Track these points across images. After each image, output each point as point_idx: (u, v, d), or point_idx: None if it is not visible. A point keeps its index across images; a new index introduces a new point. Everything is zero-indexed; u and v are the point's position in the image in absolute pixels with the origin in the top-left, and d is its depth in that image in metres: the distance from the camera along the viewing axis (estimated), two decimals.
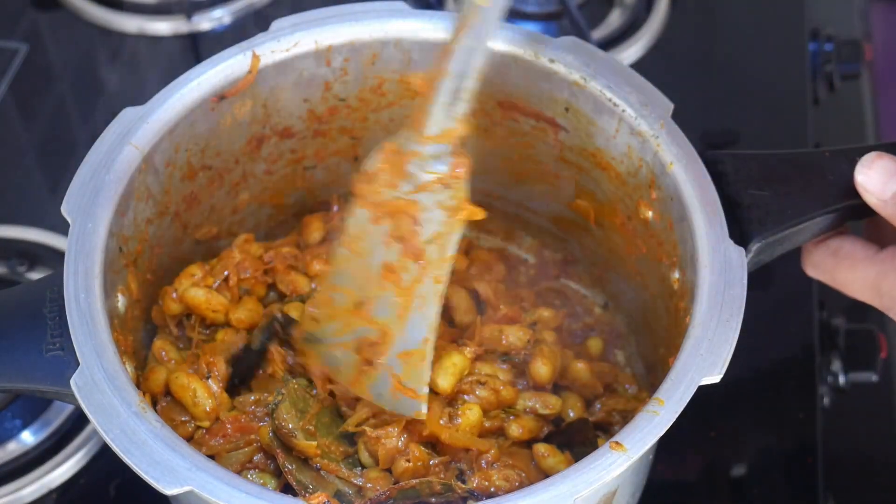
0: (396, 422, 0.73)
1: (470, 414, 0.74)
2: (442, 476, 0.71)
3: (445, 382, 0.75)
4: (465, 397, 0.76)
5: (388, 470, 0.73)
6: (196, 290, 0.80)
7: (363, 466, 0.74)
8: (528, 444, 0.76)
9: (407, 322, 0.73)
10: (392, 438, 0.72)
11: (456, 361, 0.76)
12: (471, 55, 0.70)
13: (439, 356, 0.76)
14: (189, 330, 0.81)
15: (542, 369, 0.78)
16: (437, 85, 0.71)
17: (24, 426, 0.90)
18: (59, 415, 0.91)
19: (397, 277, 0.73)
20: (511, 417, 0.76)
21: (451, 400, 0.75)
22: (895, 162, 0.70)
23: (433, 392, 0.75)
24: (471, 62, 0.70)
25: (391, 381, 0.73)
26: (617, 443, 0.63)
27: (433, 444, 0.74)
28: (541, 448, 0.74)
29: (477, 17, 0.69)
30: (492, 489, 0.71)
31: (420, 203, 0.73)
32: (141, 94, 0.78)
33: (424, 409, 0.73)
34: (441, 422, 0.73)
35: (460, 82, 0.71)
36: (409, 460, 0.71)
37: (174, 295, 0.80)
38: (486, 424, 0.75)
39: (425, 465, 0.72)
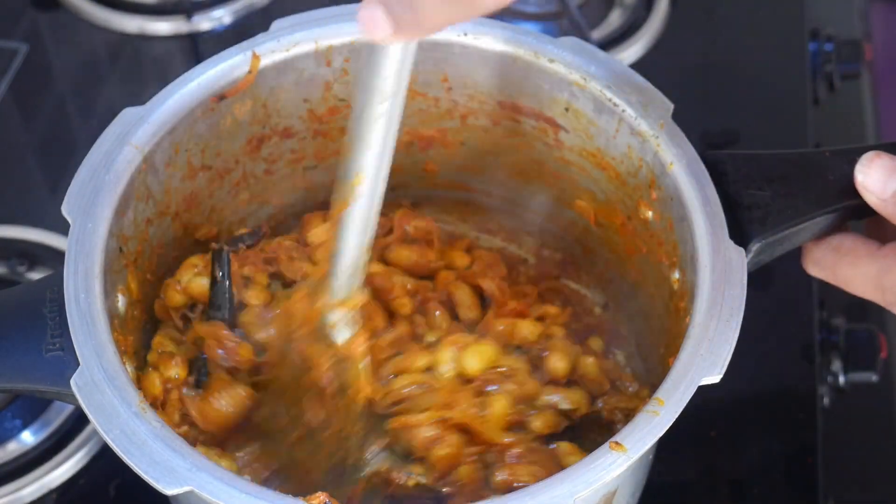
0: (430, 409, 0.73)
1: (497, 404, 0.74)
2: (477, 466, 0.72)
3: (476, 363, 0.75)
4: (491, 388, 0.76)
5: (421, 459, 0.73)
6: (200, 279, 0.80)
7: (400, 457, 0.74)
8: (545, 439, 0.76)
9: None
10: (426, 427, 0.73)
11: (485, 350, 0.76)
12: (360, 230, 0.69)
13: (467, 343, 0.76)
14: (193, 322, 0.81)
15: (558, 363, 0.78)
16: (331, 257, 0.70)
17: (24, 426, 0.90)
18: (59, 415, 0.91)
19: (311, 417, 0.73)
20: (533, 412, 0.76)
21: (478, 391, 0.76)
22: (894, 160, 0.70)
23: (464, 380, 0.75)
24: (361, 239, 0.69)
25: None
26: (617, 443, 0.63)
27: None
28: (565, 446, 0.74)
29: (353, 196, 0.68)
30: (515, 483, 0.71)
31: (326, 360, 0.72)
32: (141, 94, 0.78)
33: None
34: (472, 411, 0.73)
35: (352, 257, 0.70)
36: (448, 447, 0.72)
37: (178, 286, 0.80)
38: (508, 418, 0.75)
39: (461, 453, 0.72)
